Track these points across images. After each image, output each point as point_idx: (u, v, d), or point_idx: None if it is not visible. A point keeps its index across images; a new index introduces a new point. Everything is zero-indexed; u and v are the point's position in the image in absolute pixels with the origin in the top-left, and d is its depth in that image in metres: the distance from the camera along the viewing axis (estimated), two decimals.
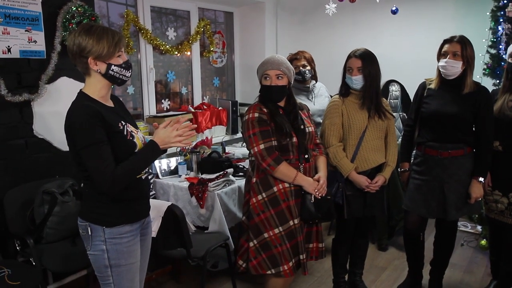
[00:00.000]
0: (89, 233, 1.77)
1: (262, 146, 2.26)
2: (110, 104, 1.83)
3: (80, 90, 1.79)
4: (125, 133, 1.76)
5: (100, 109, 1.70)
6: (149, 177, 3.21)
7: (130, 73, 1.81)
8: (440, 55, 2.58)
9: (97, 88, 1.76)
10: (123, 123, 1.78)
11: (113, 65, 1.73)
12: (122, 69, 1.76)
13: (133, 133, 1.80)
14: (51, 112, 2.93)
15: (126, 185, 1.71)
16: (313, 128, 2.46)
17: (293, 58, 3.35)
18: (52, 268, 2.59)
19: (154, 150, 1.77)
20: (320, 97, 3.43)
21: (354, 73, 2.51)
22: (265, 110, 2.32)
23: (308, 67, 3.37)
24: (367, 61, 2.50)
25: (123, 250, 1.79)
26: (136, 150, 1.77)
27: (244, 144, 4.27)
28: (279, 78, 2.32)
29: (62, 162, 2.99)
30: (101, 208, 1.77)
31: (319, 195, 2.33)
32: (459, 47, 2.49)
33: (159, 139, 1.77)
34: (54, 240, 2.67)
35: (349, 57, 2.56)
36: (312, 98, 3.40)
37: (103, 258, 1.77)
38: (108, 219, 1.76)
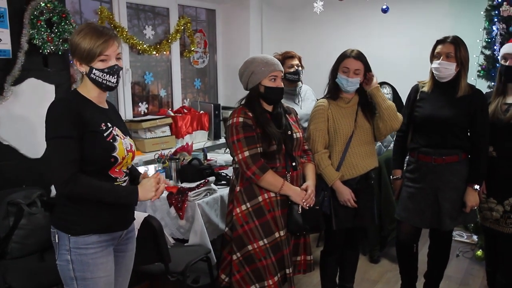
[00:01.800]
0: (57, 241, 1.78)
1: (246, 153, 2.24)
2: (103, 106, 1.87)
3: (75, 87, 1.86)
4: (106, 134, 1.76)
5: (84, 106, 1.74)
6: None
7: (115, 79, 1.79)
8: (433, 56, 2.61)
9: (88, 89, 1.81)
10: (109, 125, 1.80)
11: (94, 69, 1.74)
12: (104, 74, 1.75)
13: (117, 137, 1.80)
14: (17, 116, 2.87)
15: (80, 197, 1.70)
16: (301, 133, 2.46)
17: (286, 57, 3.34)
18: (18, 286, 2.51)
19: (131, 196, 1.78)
20: (307, 101, 3.44)
21: (351, 75, 2.51)
22: (250, 114, 2.32)
23: (300, 68, 3.39)
24: (366, 64, 2.53)
25: (89, 262, 1.76)
26: (115, 154, 1.76)
27: (228, 150, 4.26)
28: (281, 79, 2.38)
29: (29, 170, 2.93)
30: (68, 214, 1.76)
31: (307, 205, 2.33)
32: (453, 48, 2.52)
33: (144, 190, 1.79)
34: (20, 256, 2.61)
35: (344, 57, 2.55)
36: (299, 102, 3.41)
37: (68, 269, 1.76)
38: (73, 227, 1.75)
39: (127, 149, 1.84)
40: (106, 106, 1.90)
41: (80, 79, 1.84)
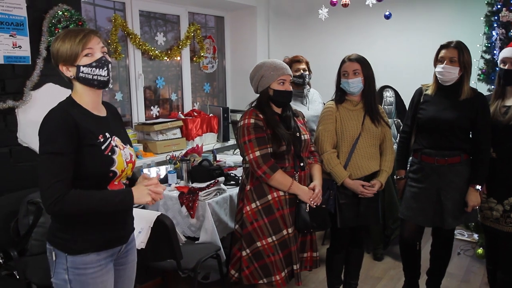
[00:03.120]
0: (53, 259, 1.63)
1: (257, 153, 2.26)
2: (100, 112, 1.71)
3: (70, 94, 1.69)
4: (104, 146, 1.61)
5: (81, 116, 1.59)
6: None
7: (106, 71, 1.62)
8: (437, 60, 2.61)
9: (80, 95, 1.65)
10: (108, 135, 1.64)
11: (81, 67, 1.58)
12: (93, 68, 1.59)
13: (116, 148, 1.65)
14: (36, 120, 2.86)
15: (73, 214, 1.56)
16: (308, 135, 2.47)
17: (294, 61, 3.38)
18: (37, 281, 2.54)
19: (125, 200, 1.59)
20: (314, 103, 3.46)
21: (350, 76, 2.53)
22: (261, 116, 2.33)
23: (307, 72, 3.41)
24: (364, 64, 2.54)
25: (88, 281, 1.62)
26: (113, 168, 1.61)
27: (236, 151, 4.28)
28: (290, 83, 2.39)
29: None
30: (64, 232, 1.61)
31: (314, 204, 2.34)
32: (456, 52, 2.52)
33: (139, 192, 1.62)
34: (39, 252, 2.63)
35: (343, 62, 2.59)
36: (306, 103, 3.42)
37: None
38: (70, 246, 1.59)
39: (127, 160, 1.69)
40: (104, 113, 1.73)
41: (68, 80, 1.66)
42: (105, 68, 1.62)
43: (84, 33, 1.59)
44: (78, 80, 1.61)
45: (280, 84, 2.35)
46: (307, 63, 3.43)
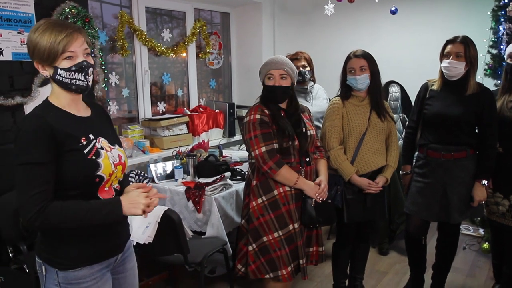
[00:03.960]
0: (43, 273, 1.50)
1: (263, 149, 2.25)
2: (82, 113, 1.55)
3: (47, 97, 1.53)
4: (87, 150, 1.46)
5: (59, 120, 1.44)
6: (145, 181, 3.18)
7: (85, 76, 1.47)
8: (443, 55, 2.58)
9: (57, 96, 1.50)
10: (92, 137, 1.50)
11: (59, 69, 1.43)
12: (72, 72, 1.44)
13: (102, 151, 1.50)
14: None
15: (56, 227, 1.42)
16: (314, 131, 2.46)
17: (292, 59, 3.34)
18: None
19: (113, 211, 1.45)
20: (318, 99, 3.43)
21: (357, 73, 2.51)
22: (266, 112, 2.32)
23: (308, 68, 3.38)
24: (371, 60, 2.52)
25: None
26: (99, 172, 1.47)
27: (242, 147, 4.27)
28: (283, 78, 2.32)
29: None
30: (52, 246, 1.48)
31: (320, 199, 2.33)
32: (462, 47, 2.49)
33: (128, 200, 1.48)
34: None
35: (348, 58, 2.57)
36: (310, 100, 3.40)
37: None
38: (60, 261, 1.47)
39: (115, 162, 1.54)
40: (87, 113, 1.57)
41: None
42: (84, 73, 1.47)
43: (68, 32, 1.41)
44: (54, 82, 1.47)
45: (268, 79, 2.34)
46: (307, 59, 3.39)
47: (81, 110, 1.55)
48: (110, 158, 1.52)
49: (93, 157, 1.47)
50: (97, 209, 1.43)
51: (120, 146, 1.65)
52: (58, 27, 1.42)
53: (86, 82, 1.49)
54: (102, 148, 1.51)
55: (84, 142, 1.47)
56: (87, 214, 1.40)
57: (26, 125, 1.39)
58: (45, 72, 1.45)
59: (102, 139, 1.54)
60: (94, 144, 1.49)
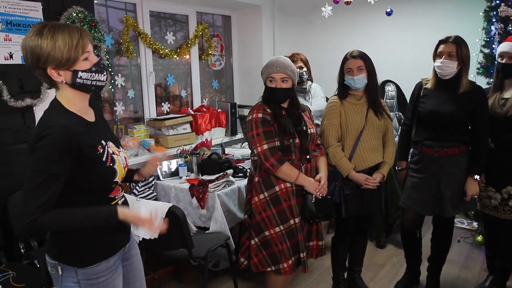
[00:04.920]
0: (59, 273, 1.49)
1: (265, 146, 2.26)
2: (91, 117, 1.52)
3: (55, 98, 1.44)
4: (104, 158, 1.44)
5: (79, 128, 1.39)
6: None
7: (105, 76, 1.45)
8: (436, 55, 2.59)
9: (70, 101, 1.43)
10: (104, 143, 1.46)
11: (79, 72, 1.38)
12: (92, 73, 1.40)
13: (114, 156, 1.49)
14: None
15: (46, 231, 1.44)
16: (314, 129, 2.47)
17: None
18: None
19: (107, 219, 1.42)
20: (317, 98, 3.44)
21: (355, 73, 2.51)
22: (268, 110, 2.33)
23: (305, 69, 3.40)
24: (367, 60, 2.53)
25: None
26: (116, 179, 1.47)
27: (243, 145, 4.29)
28: (284, 81, 2.32)
29: None
30: (69, 246, 1.47)
31: (320, 195, 2.34)
32: (454, 47, 2.50)
33: (126, 215, 1.44)
34: None
35: (345, 59, 2.57)
36: (309, 99, 3.41)
37: None
38: (79, 259, 1.47)
39: (124, 166, 1.54)
40: (93, 116, 1.53)
41: (56, 93, 1.43)
42: (104, 72, 1.45)
43: (80, 33, 1.37)
44: (71, 86, 1.41)
45: (270, 81, 2.34)
46: (303, 60, 3.41)
47: (88, 113, 1.52)
48: (121, 162, 1.51)
49: (111, 164, 1.46)
50: (92, 220, 1.40)
51: (121, 146, 1.63)
52: (66, 29, 1.36)
53: (104, 82, 1.46)
54: (113, 153, 1.50)
55: (101, 150, 1.44)
56: (82, 223, 1.39)
57: (52, 133, 1.32)
58: (60, 77, 1.38)
59: (110, 143, 1.52)
60: (108, 151, 1.47)
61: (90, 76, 1.40)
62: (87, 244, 1.48)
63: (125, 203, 1.65)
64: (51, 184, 1.32)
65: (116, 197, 1.56)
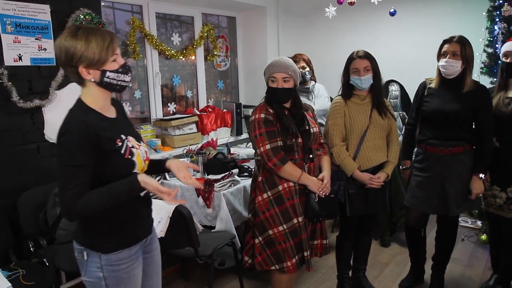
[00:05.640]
0: (85, 258, 1.58)
1: (268, 146, 2.25)
2: (112, 114, 1.62)
3: (79, 97, 1.56)
4: (123, 150, 1.53)
5: (98, 123, 1.50)
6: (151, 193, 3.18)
7: (129, 77, 1.57)
8: (440, 55, 2.57)
9: (94, 98, 1.54)
10: (123, 137, 1.56)
11: (107, 72, 1.50)
12: (119, 74, 1.52)
13: (134, 149, 1.58)
14: (61, 117, 2.91)
15: (87, 216, 1.51)
16: (317, 128, 2.45)
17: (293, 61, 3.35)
18: (65, 268, 2.59)
19: (131, 187, 1.50)
20: (320, 98, 3.44)
21: (362, 73, 2.50)
22: (271, 111, 2.32)
23: (307, 69, 3.39)
24: (373, 61, 2.51)
25: (123, 276, 1.60)
26: (135, 170, 1.56)
27: (249, 144, 4.28)
28: (286, 81, 2.31)
29: None
30: (95, 233, 1.57)
31: (323, 194, 2.33)
32: (459, 47, 2.48)
33: (147, 183, 1.50)
34: (67, 241, 2.66)
35: (351, 59, 2.54)
36: (312, 98, 3.40)
37: (100, 285, 1.58)
38: (103, 245, 1.57)
39: (144, 158, 1.62)
40: (114, 113, 1.63)
41: (82, 90, 1.53)
42: (129, 74, 1.57)
43: (110, 37, 1.50)
44: (100, 85, 1.52)
45: (272, 81, 2.33)
46: (306, 60, 3.41)
47: (110, 110, 1.61)
48: (140, 155, 1.60)
49: (129, 156, 1.55)
50: (116, 192, 1.48)
51: (143, 141, 1.71)
52: (98, 32, 1.48)
53: (128, 83, 1.57)
54: (133, 147, 1.58)
55: (120, 143, 1.53)
56: (109, 199, 1.47)
57: (71, 130, 1.43)
58: (89, 76, 1.49)
59: (130, 138, 1.60)
60: (127, 144, 1.55)
61: (117, 76, 1.52)
62: (111, 231, 1.58)
63: (148, 195, 1.70)
64: (78, 175, 1.43)
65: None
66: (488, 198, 2.72)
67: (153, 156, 3.54)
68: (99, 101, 1.55)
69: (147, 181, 1.51)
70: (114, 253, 1.57)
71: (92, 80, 1.50)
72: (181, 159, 3.41)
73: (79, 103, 1.54)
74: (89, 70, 1.48)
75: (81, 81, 1.52)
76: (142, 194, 1.61)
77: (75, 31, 1.46)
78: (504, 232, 2.73)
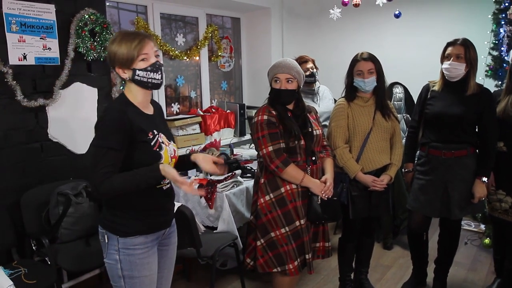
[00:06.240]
0: (106, 241, 1.72)
1: (270, 148, 2.24)
2: (149, 110, 1.77)
3: (122, 92, 1.74)
4: (153, 143, 1.67)
5: (134, 116, 1.65)
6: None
7: (160, 75, 1.69)
8: (444, 57, 2.56)
9: (133, 94, 1.71)
10: (156, 132, 1.70)
11: (137, 70, 1.65)
12: (148, 72, 1.65)
13: (163, 145, 1.71)
14: (65, 117, 2.94)
15: (112, 196, 1.63)
16: (320, 131, 2.44)
17: (301, 62, 3.34)
18: (67, 267, 2.59)
19: (153, 177, 1.63)
20: (325, 100, 3.43)
21: (366, 75, 2.49)
22: (273, 112, 2.31)
23: (315, 70, 3.39)
24: (377, 63, 2.51)
25: (136, 261, 1.71)
26: (160, 162, 1.67)
27: (252, 145, 4.27)
28: (289, 82, 2.29)
29: (76, 164, 3.01)
30: (116, 217, 1.70)
31: (326, 196, 2.32)
32: (463, 49, 2.47)
33: (166, 171, 1.60)
34: (69, 240, 2.69)
35: (356, 61, 2.53)
36: (317, 100, 3.39)
37: (116, 268, 1.71)
38: (121, 229, 1.69)
39: (171, 155, 1.75)
40: (151, 111, 1.78)
41: (120, 83, 1.75)
42: (159, 72, 1.68)
43: (140, 39, 1.63)
44: (133, 82, 1.68)
45: (275, 82, 2.32)
46: (313, 61, 3.40)
47: (149, 108, 1.77)
48: (168, 151, 1.73)
49: (157, 149, 1.68)
50: (141, 177, 1.60)
51: (174, 141, 1.84)
52: (131, 36, 1.65)
53: (160, 80, 1.70)
54: (163, 142, 1.72)
55: (151, 136, 1.68)
56: (132, 181, 1.59)
57: (109, 115, 1.61)
58: (125, 74, 1.67)
59: (162, 135, 1.74)
60: (158, 139, 1.70)
61: (146, 74, 1.66)
62: (132, 217, 1.69)
63: (171, 189, 1.82)
64: (109, 156, 1.56)
65: (161, 182, 1.74)
66: (493, 203, 2.70)
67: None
68: (137, 97, 1.71)
69: (167, 170, 1.61)
70: (130, 238, 1.68)
71: (128, 78, 1.67)
72: None
73: (121, 96, 1.72)
74: (124, 70, 1.66)
75: (123, 79, 1.71)
76: (163, 184, 1.74)
77: (116, 37, 1.66)
78: (508, 237, 2.71)
